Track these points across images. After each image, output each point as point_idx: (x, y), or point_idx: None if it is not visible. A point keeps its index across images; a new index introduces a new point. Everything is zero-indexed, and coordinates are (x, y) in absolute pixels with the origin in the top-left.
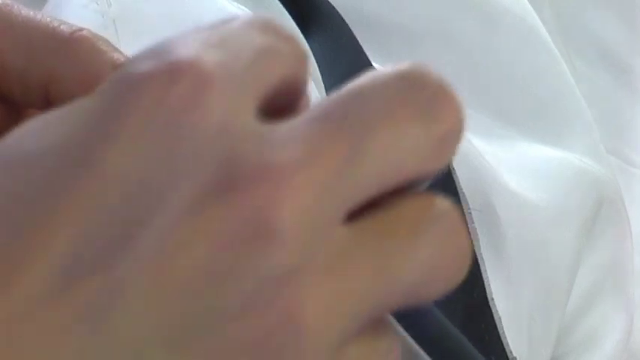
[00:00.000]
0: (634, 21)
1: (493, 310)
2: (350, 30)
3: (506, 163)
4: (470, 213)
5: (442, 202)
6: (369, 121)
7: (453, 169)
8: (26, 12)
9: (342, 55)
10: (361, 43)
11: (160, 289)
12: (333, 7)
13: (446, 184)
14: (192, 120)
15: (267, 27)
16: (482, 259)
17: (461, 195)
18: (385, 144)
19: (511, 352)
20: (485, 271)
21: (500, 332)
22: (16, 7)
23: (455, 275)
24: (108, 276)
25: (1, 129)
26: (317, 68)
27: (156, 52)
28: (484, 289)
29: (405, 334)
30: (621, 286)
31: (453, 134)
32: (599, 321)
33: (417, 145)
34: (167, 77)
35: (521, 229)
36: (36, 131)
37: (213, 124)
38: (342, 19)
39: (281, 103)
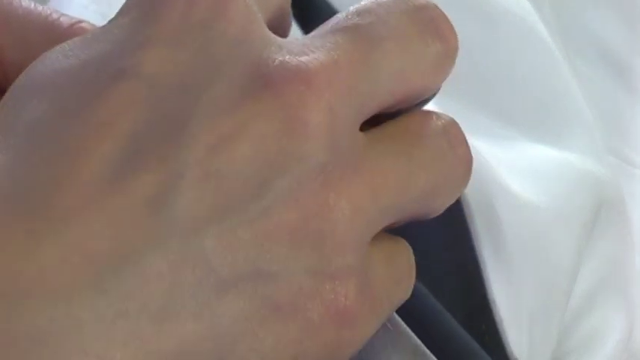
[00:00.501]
0: (634, 21)
1: (494, 311)
2: None
3: (506, 163)
4: (470, 214)
5: (444, 117)
6: (379, 33)
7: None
8: (26, 5)
9: None
10: None
11: (207, 179)
12: (333, 7)
13: None
14: (219, 26)
15: None
16: (482, 259)
17: (461, 196)
18: (394, 54)
19: (512, 353)
20: (486, 271)
21: (501, 333)
22: (15, 0)
23: (459, 182)
24: (163, 167)
25: None
26: None
27: None
28: (484, 289)
29: (411, 334)
30: (622, 287)
31: (450, 52)
32: (600, 321)
33: (421, 58)
34: None
35: (521, 229)
36: (72, 49)
37: (238, 30)
38: None
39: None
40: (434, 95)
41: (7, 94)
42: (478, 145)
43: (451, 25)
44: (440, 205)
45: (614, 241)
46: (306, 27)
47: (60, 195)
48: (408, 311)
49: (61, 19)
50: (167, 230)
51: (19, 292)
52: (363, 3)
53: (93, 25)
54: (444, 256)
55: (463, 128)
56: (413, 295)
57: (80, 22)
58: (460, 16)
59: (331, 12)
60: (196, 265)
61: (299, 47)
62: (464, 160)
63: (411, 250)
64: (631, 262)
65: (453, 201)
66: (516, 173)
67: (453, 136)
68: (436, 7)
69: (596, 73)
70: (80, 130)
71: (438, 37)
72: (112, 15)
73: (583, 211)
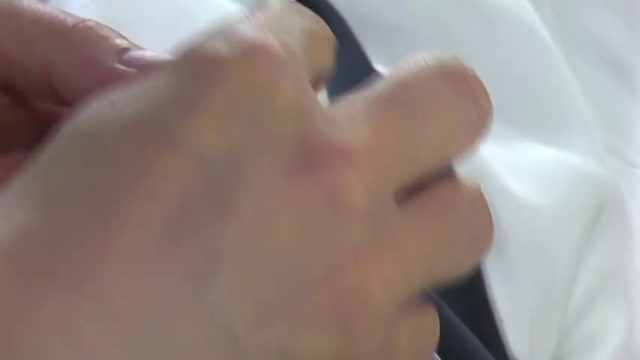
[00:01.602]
0: (634, 21)
1: (494, 311)
2: (350, 30)
3: (506, 164)
4: None
5: (470, 185)
6: (422, 109)
7: (454, 169)
8: (32, 4)
9: (342, 55)
10: (361, 43)
11: (249, 259)
12: (333, 7)
13: None
14: (272, 97)
15: (301, 11)
16: (482, 259)
17: None
18: (435, 130)
19: (512, 353)
20: (486, 271)
21: (501, 333)
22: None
23: (481, 251)
24: (205, 242)
25: (9, 119)
26: None
27: (225, 34)
28: (485, 290)
29: None
30: (622, 287)
31: (486, 120)
32: (600, 322)
33: (459, 129)
34: (246, 60)
35: (521, 230)
36: (119, 101)
37: (289, 102)
38: (342, 18)
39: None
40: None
41: (48, 144)
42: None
43: (487, 92)
44: (463, 271)
45: (614, 242)
46: None
47: (104, 271)
48: None
49: (68, 19)
50: (201, 310)
51: None
52: (402, 72)
53: (97, 23)
54: None
55: None
56: None
57: (85, 21)
58: (460, 16)
59: (331, 12)
60: (226, 345)
61: (345, 120)
62: (487, 228)
63: (438, 321)
64: (631, 262)
65: (472, 266)
66: (516, 173)
67: (477, 205)
68: (473, 72)
69: (596, 73)
70: (125, 198)
71: (475, 106)
72: (112, 15)
73: (583, 211)
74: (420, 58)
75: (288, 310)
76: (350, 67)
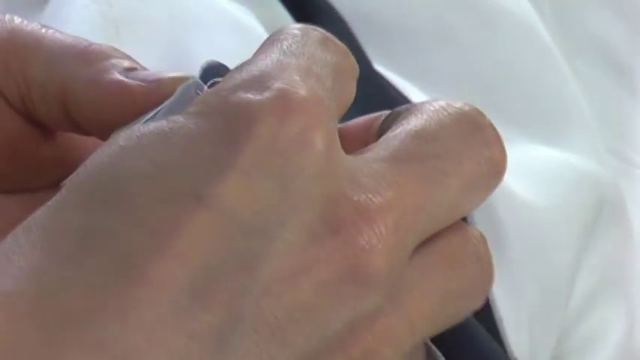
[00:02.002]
0: (634, 21)
1: (494, 311)
2: (350, 30)
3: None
4: (470, 214)
5: (476, 235)
6: (444, 166)
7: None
8: (52, 31)
9: None
10: (361, 43)
11: (270, 324)
12: (333, 7)
13: None
14: (302, 158)
15: (327, 41)
16: None
17: None
18: (455, 190)
19: (512, 353)
20: None
21: (501, 333)
22: (45, 30)
23: (482, 297)
24: (228, 309)
25: (33, 152)
26: None
27: (258, 80)
28: None
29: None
30: (623, 287)
31: (500, 175)
32: (601, 322)
33: (475, 185)
34: (278, 115)
35: (521, 230)
36: (147, 147)
37: (319, 164)
38: (342, 18)
39: None
40: None
41: (63, 192)
42: None
43: (504, 148)
44: (457, 320)
45: (614, 241)
46: None
47: (126, 332)
48: None
49: (84, 42)
50: None
51: None
52: (425, 125)
53: (111, 46)
54: None
55: None
56: None
57: (100, 44)
58: (460, 16)
59: (331, 12)
60: None
61: (372, 184)
62: (489, 277)
63: None
64: (631, 262)
65: (471, 311)
66: (516, 173)
67: (484, 259)
68: (490, 125)
69: (596, 73)
70: (152, 258)
71: (492, 163)
72: (113, 15)
73: (583, 211)
74: (439, 107)
75: None
76: None
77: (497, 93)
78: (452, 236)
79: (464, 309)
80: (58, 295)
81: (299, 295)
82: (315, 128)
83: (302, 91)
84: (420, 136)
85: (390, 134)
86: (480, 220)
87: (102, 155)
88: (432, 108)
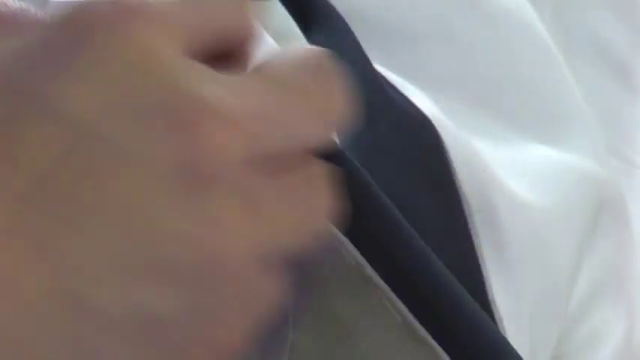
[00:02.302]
0: (634, 21)
1: (494, 311)
2: (350, 30)
3: (506, 163)
4: (471, 214)
5: (319, 167)
6: (291, 88)
7: (454, 169)
8: None
9: (342, 55)
10: (361, 43)
11: (110, 220)
12: (333, 7)
13: (446, 184)
14: (138, 60)
15: None
16: (482, 259)
17: (461, 196)
18: (294, 109)
19: None
20: (486, 271)
21: (501, 332)
22: None
23: (314, 228)
24: (62, 208)
25: None
26: None
27: None
28: (484, 289)
29: (400, 302)
30: (623, 288)
31: (338, 109)
32: (601, 322)
33: (317, 113)
34: (120, 22)
35: (521, 230)
36: None
37: (159, 66)
38: (342, 19)
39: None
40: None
41: None
42: (478, 145)
43: (340, 87)
44: (298, 243)
45: (614, 242)
46: (306, 27)
47: None
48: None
49: None
50: (52, 278)
51: None
52: (276, 57)
53: None
54: (444, 256)
55: (463, 127)
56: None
57: None
58: (460, 16)
59: (331, 12)
60: (79, 314)
61: (216, 90)
62: (323, 207)
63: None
64: (631, 262)
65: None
66: (516, 173)
67: (319, 185)
68: (332, 67)
69: (596, 73)
70: None
71: (335, 96)
72: None
73: (583, 211)
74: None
75: (148, 272)
76: (350, 67)
77: (497, 93)
78: (293, 163)
79: (301, 229)
80: None
81: (138, 194)
82: (154, 33)
83: (147, 3)
84: (276, 65)
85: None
86: (479, 220)
87: None
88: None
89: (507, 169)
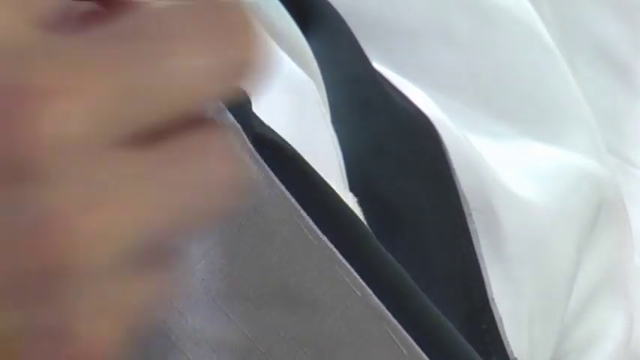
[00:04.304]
0: (634, 21)
1: (493, 311)
2: (349, 29)
3: (506, 163)
4: (470, 213)
5: (215, 132)
6: (147, 44)
7: (453, 169)
8: None
9: (342, 55)
10: (361, 43)
11: None
12: (333, 7)
13: (446, 184)
14: None
15: None
16: (482, 259)
17: (461, 195)
18: (171, 65)
19: (512, 353)
20: (486, 271)
21: (501, 332)
22: None
23: (216, 203)
24: None
25: None
26: (317, 68)
27: None
28: (484, 289)
29: (406, 335)
30: (622, 287)
31: (244, 61)
32: (600, 322)
33: (202, 68)
34: None
35: (521, 229)
36: None
37: None
38: (342, 18)
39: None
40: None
41: None
42: (478, 144)
43: (251, 32)
44: (194, 224)
45: (614, 241)
46: (306, 26)
47: None
48: (405, 312)
49: None
50: None
51: None
52: (143, 10)
53: None
54: (444, 256)
55: (463, 127)
56: (409, 298)
57: None
58: (460, 16)
59: (331, 12)
60: None
61: (51, 54)
62: (223, 179)
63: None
64: (630, 261)
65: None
66: (516, 173)
67: (219, 152)
68: (239, 10)
69: (596, 72)
70: None
71: (234, 45)
72: None
73: (583, 210)
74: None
75: None
76: (350, 67)
77: (497, 92)
78: (190, 130)
79: (195, 211)
80: None
81: None
82: None
83: None
84: (138, 14)
85: None
86: (479, 219)
87: None
88: None
89: (507, 168)
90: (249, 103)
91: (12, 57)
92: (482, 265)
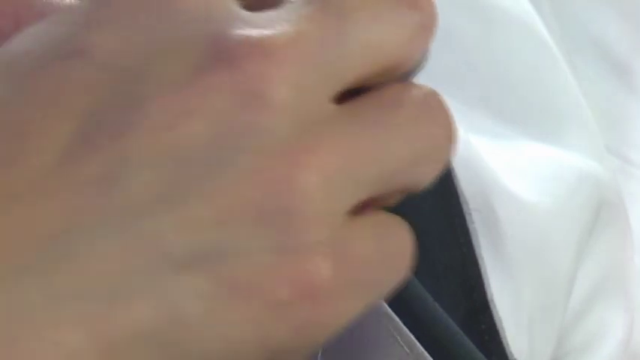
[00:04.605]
0: (634, 21)
1: (493, 311)
2: None
3: (506, 163)
4: (470, 213)
5: (423, 87)
6: (351, 3)
7: (453, 169)
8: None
9: None
10: None
11: (163, 157)
12: None
13: (446, 184)
14: (175, 4)
15: None
16: (482, 259)
17: (461, 195)
18: (366, 25)
19: (511, 353)
20: (486, 271)
21: (501, 333)
22: None
23: (443, 151)
24: (114, 147)
25: None
26: None
27: None
28: (484, 289)
29: (409, 334)
30: (622, 287)
31: (428, 22)
32: (600, 322)
33: (395, 28)
34: None
35: (521, 229)
36: (34, 32)
37: (196, 6)
38: None
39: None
40: (417, 70)
41: None
42: (478, 144)
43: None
44: (426, 176)
45: (614, 241)
46: None
47: (8, 178)
48: (407, 312)
49: None
50: (118, 210)
51: None
52: None
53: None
54: (444, 256)
55: (463, 127)
56: (412, 296)
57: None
58: (460, 16)
59: None
60: (149, 245)
61: (264, 21)
62: (445, 127)
63: (409, 230)
64: (630, 262)
65: (438, 171)
66: (516, 173)
67: (432, 104)
68: None
69: (596, 73)
70: (30, 112)
71: (414, 6)
72: None
73: (583, 211)
74: None
75: (214, 206)
76: None
77: (497, 92)
78: (391, 86)
79: (418, 165)
80: None
81: (192, 125)
82: None
83: None
84: None
85: None
86: (479, 220)
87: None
88: None
89: (507, 168)
90: None
91: (306, 126)
92: (482, 265)
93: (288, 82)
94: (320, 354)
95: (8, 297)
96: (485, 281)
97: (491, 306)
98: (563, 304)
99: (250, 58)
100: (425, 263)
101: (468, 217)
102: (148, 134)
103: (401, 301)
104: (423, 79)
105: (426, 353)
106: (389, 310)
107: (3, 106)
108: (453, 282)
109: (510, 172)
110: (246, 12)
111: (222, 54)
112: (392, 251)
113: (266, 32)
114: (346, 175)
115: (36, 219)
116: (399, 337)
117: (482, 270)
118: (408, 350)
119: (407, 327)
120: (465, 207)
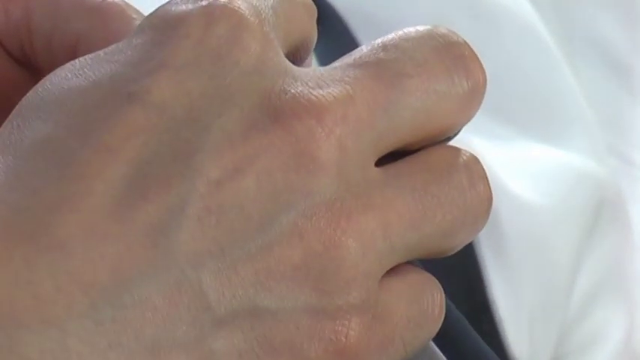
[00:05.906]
0: (634, 21)
1: (494, 311)
2: (349, 30)
3: (506, 163)
4: None
5: (466, 152)
6: (403, 70)
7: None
8: None
9: (341, 56)
10: (361, 42)
11: (212, 212)
12: (333, 8)
13: None
14: (234, 54)
15: None
16: (482, 259)
17: None
18: (417, 92)
19: (512, 353)
20: (486, 271)
21: (501, 333)
22: None
23: (478, 220)
24: (165, 197)
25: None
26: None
27: None
28: (485, 289)
29: None
30: (622, 287)
31: (479, 89)
32: (601, 321)
33: (446, 96)
34: (206, 17)
35: (522, 229)
36: (82, 67)
37: (252, 60)
38: (341, 19)
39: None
40: (458, 132)
41: (13, 112)
42: (478, 144)
43: (480, 64)
44: (457, 244)
45: (614, 241)
46: None
47: (59, 222)
48: None
49: (105, 2)
50: (165, 262)
51: (11, 321)
52: (390, 36)
53: (124, 1)
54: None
55: (463, 127)
56: None
57: None
58: (460, 16)
59: (331, 12)
60: (192, 299)
61: (315, 80)
62: (484, 198)
63: (439, 288)
64: (631, 261)
65: (471, 239)
66: (517, 173)
67: (473, 172)
68: (466, 44)
69: (596, 73)
70: (85, 154)
71: (465, 75)
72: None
73: (583, 211)
74: (411, 28)
75: (256, 263)
76: None
77: (497, 92)
78: (434, 150)
79: (454, 230)
80: None
81: (242, 182)
82: (249, 31)
83: (232, 2)
84: (381, 45)
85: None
86: None
87: (42, 82)
88: (402, 30)
89: (507, 168)
90: None
91: (351, 189)
92: (482, 266)
93: (334, 144)
94: None
95: (49, 346)
96: (486, 281)
97: (492, 306)
98: (563, 304)
99: (300, 118)
100: (424, 264)
101: None
102: (198, 189)
103: None
104: None
105: (435, 347)
106: None
107: (49, 146)
108: (453, 282)
109: (510, 172)
110: (297, 68)
111: (275, 112)
112: (424, 310)
113: (315, 92)
114: (386, 241)
115: (82, 270)
116: None
117: (483, 270)
118: None
119: None
120: None
